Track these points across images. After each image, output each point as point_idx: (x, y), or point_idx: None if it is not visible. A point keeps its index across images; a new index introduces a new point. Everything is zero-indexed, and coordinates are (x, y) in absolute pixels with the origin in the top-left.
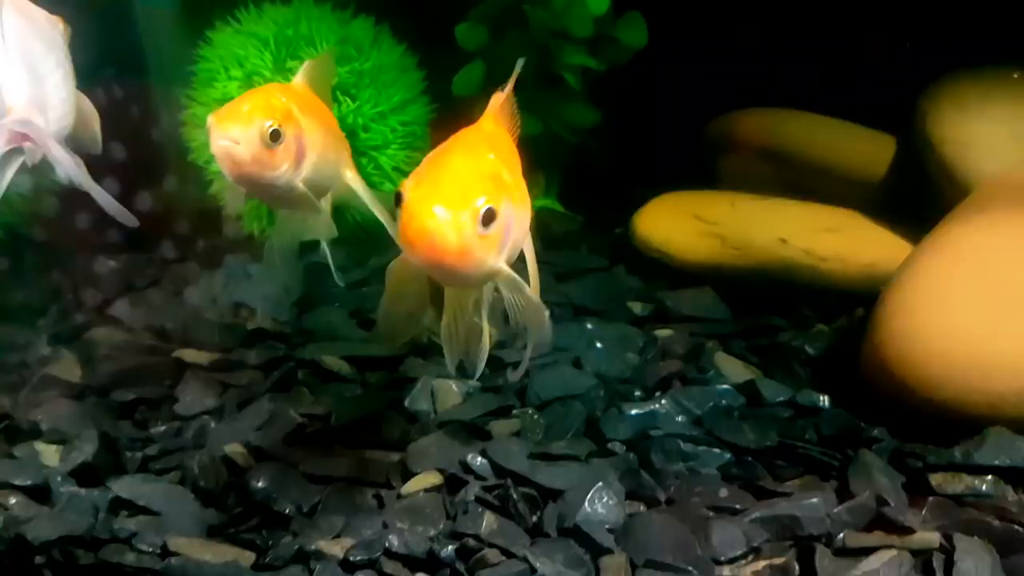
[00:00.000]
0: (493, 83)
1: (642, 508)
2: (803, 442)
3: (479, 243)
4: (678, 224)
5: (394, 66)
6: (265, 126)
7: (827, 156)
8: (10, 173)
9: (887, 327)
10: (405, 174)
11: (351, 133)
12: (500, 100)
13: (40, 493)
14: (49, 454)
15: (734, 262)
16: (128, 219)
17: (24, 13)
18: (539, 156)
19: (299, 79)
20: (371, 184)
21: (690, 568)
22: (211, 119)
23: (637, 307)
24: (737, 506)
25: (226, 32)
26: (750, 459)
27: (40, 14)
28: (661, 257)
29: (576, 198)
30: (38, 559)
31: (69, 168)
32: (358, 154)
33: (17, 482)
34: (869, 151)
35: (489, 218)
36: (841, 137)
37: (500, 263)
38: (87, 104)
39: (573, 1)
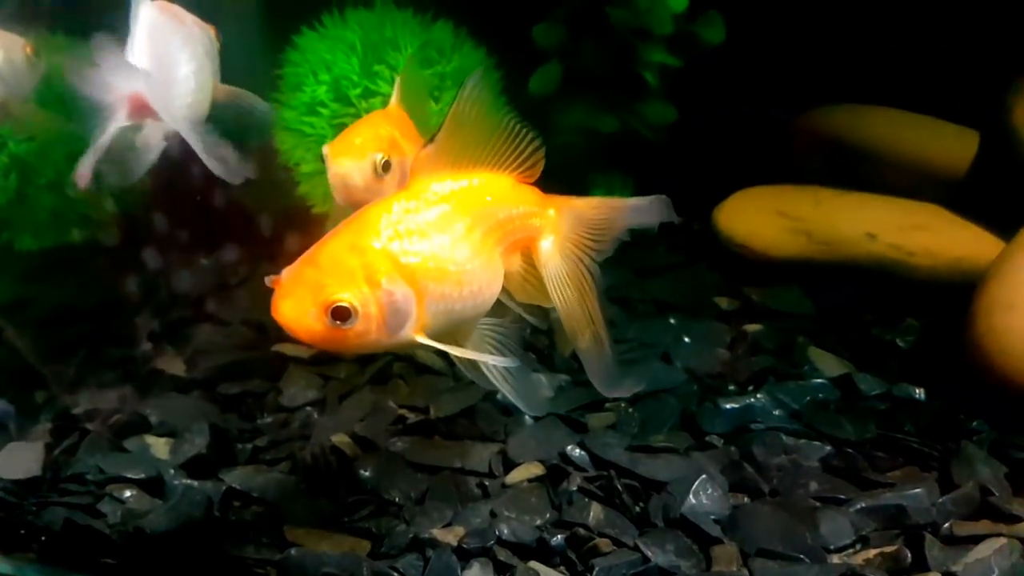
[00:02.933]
0: (570, 82)
1: (746, 500)
2: (902, 434)
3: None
4: (761, 220)
5: (476, 67)
6: (377, 159)
7: (910, 152)
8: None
9: (987, 321)
10: None
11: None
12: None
13: (154, 486)
14: (159, 447)
15: (822, 257)
16: (245, 171)
17: (172, 14)
18: (615, 154)
19: (395, 100)
20: None
21: (802, 557)
22: (327, 150)
23: (724, 302)
24: (842, 496)
25: (312, 37)
26: (850, 451)
27: (191, 19)
28: (745, 252)
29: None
30: (157, 552)
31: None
32: None
33: (131, 475)
34: (952, 147)
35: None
36: (924, 133)
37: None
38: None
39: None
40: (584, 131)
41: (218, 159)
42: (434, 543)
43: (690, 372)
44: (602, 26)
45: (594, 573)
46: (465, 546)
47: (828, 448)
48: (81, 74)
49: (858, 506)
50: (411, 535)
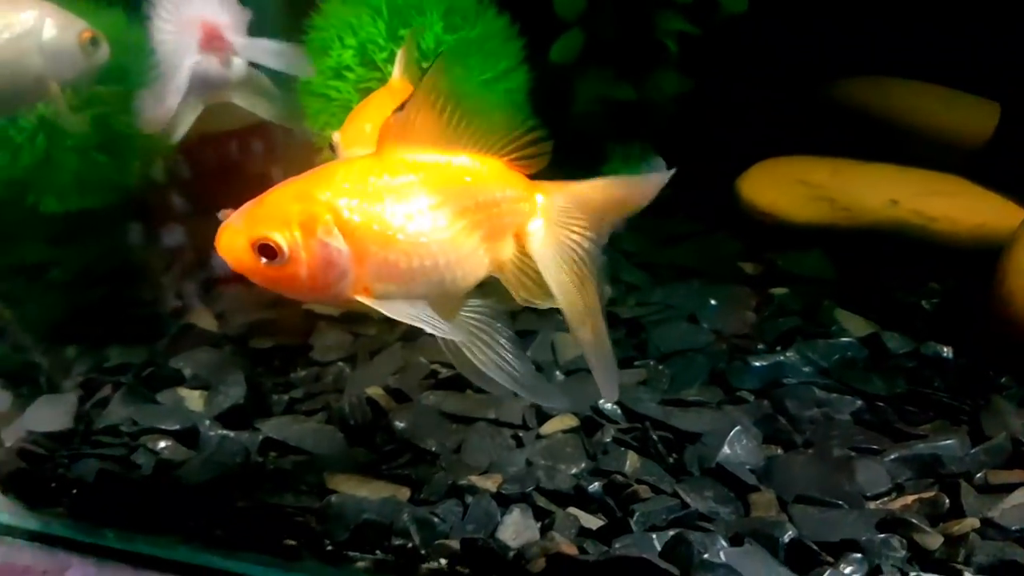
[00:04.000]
0: (590, 51)
1: (779, 451)
2: (931, 389)
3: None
4: (783, 188)
5: (498, 34)
6: None
7: (932, 123)
8: (191, 118)
9: (1014, 282)
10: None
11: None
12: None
13: (189, 437)
14: (193, 400)
15: (844, 223)
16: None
17: None
18: (632, 124)
19: (398, 74)
20: None
21: (840, 503)
22: (337, 138)
23: (748, 267)
24: (875, 447)
25: (336, 2)
26: (881, 405)
27: None
28: (767, 219)
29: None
30: (194, 502)
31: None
32: None
33: (165, 426)
34: (974, 118)
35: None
36: (946, 104)
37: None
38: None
39: None
40: (603, 100)
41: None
42: (473, 489)
43: (717, 333)
44: None
45: (634, 518)
46: (504, 492)
47: (859, 402)
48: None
49: (892, 456)
50: (449, 482)
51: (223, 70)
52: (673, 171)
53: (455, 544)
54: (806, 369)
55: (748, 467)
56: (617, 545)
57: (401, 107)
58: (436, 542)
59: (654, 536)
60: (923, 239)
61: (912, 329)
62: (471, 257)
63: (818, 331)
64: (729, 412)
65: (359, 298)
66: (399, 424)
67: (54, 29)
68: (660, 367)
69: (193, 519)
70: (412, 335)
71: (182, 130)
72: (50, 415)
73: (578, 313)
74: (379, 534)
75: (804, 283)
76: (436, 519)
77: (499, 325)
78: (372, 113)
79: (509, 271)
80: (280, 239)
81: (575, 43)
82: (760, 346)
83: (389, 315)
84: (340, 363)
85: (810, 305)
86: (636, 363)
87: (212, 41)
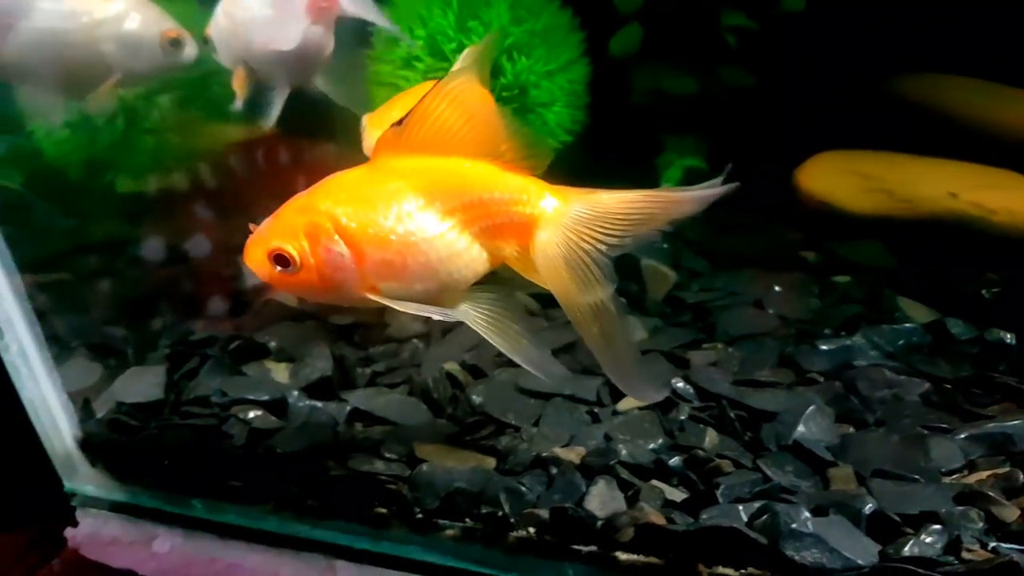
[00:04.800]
0: (649, 44)
1: (851, 430)
2: (997, 373)
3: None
4: (841, 179)
5: (562, 27)
6: None
7: (989, 120)
8: (282, 101)
9: None
10: (568, 132)
11: (523, 90)
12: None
13: (278, 407)
14: (279, 371)
15: (903, 214)
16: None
17: None
18: (689, 117)
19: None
20: None
21: (917, 477)
22: (365, 121)
23: (810, 256)
24: (945, 426)
25: None
26: (948, 387)
27: None
28: (825, 209)
29: (723, 159)
30: (288, 471)
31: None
32: (525, 111)
33: (254, 397)
34: None
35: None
36: (1003, 102)
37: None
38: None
39: None
40: (660, 93)
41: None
42: (556, 461)
43: (782, 318)
44: None
45: (719, 490)
46: (588, 463)
47: (927, 385)
48: None
49: (963, 435)
50: (533, 453)
51: (325, 40)
52: (720, 190)
53: (543, 513)
54: (872, 353)
55: (823, 444)
56: (704, 516)
57: (400, 123)
58: (525, 511)
59: (740, 507)
60: (982, 231)
61: (974, 316)
62: (465, 253)
63: (882, 317)
64: (801, 392)
65: (369, 295)
66: (476, 398)
67: (135, 23)
68: (730, 349)
69: (284, 488)
70: None
71: (275, 114)
72: (139, 386)
73: (579, 315)
74: (469, 502)
75: (864, 272)
76: (523, 488)
77: (508, 311)
78: (405, 103)
79: (515, 267)
80: (291, 249)
81: (634, 37)
82: (826, 331)
83: (396, 308)
84: (415, 340)
85: (872, 293)
86: (704, 345)
87: (320, 11)
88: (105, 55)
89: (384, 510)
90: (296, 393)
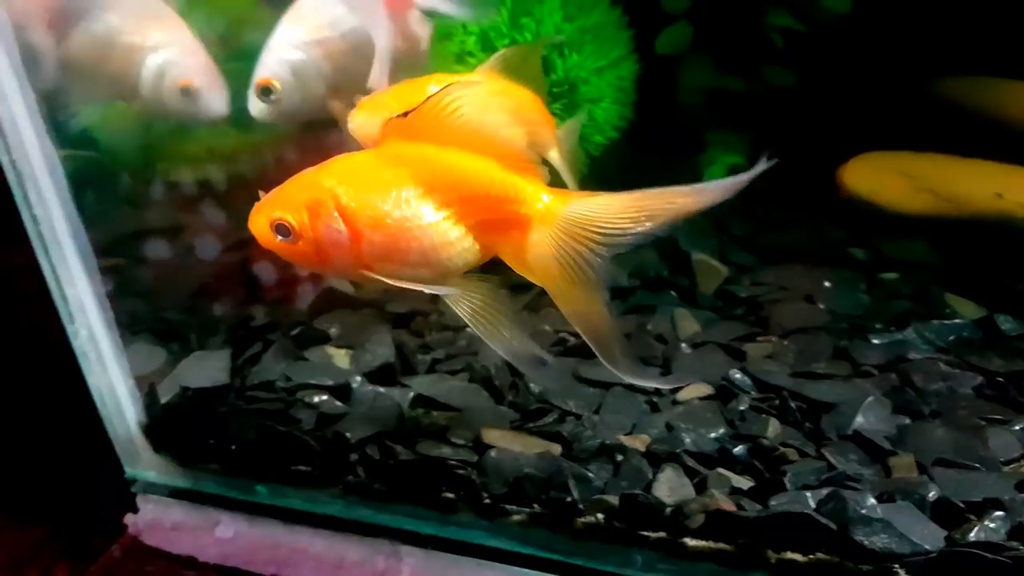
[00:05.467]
0: (695, 43)
1: (908, 420)
2: None
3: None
4: (886, 178)
5: (611, 24)
6: None
7: None
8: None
9: None
10: (615, 128)
11: (572, 86)
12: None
13: (342, 392)
14: (339, 357)
15: (948, 213)
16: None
17: None
18: (733, 114)
19: (483, 68)
20: (584, 136)
21: (978, 466)
22: (356, 104)
23: (859, 253)
24: (1001, 417)
25: None
26: (1001, 381)
27: None
28: (869, 208)
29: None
30: (353, 456)
31: None
32: (574, 107)
33: (319, 382)
34: None
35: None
36: None
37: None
38: None
39: None
40: (706, 90)
41: None
42: (623, 448)
43: (833, 313)
44: None
45: (787, 478)
46: (654, 451)
47: (979, 378)
48: None
49: (1019, 425)
50: (599, 441)
51: (416, 30)
52: (732, 182)
53: (612, 499)
54: (924, 348)
55: (883, 434)
56: (773, 503)
57: (405, 115)
58: (593, 497)
59: (808, 494)
60: None
61: (1022, 313)
62: (457, 243)
63: (931, 313)
64: (858, 384)
65: (368, 274)
66: (534, 386)
67: (155, 62)
68: (785, 342)
69: (351, 472)
70: (535, 305)
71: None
72: (204, 371)
73: (570, 309)
74: (537, 488)
75: (911, 269)
76: (591, 475)
77: (496, 301)
78: (401, 90)
79: (509, 262)
80: (291, 220)
81: (681, 35)
82: (877, 326)
83: (388, 282)
84: (470, 328)
85: (921, 289)
86: (759, 338)
87: (399, 9)
88: (131, 79)
89: (451, 495)
90: (359, 378)
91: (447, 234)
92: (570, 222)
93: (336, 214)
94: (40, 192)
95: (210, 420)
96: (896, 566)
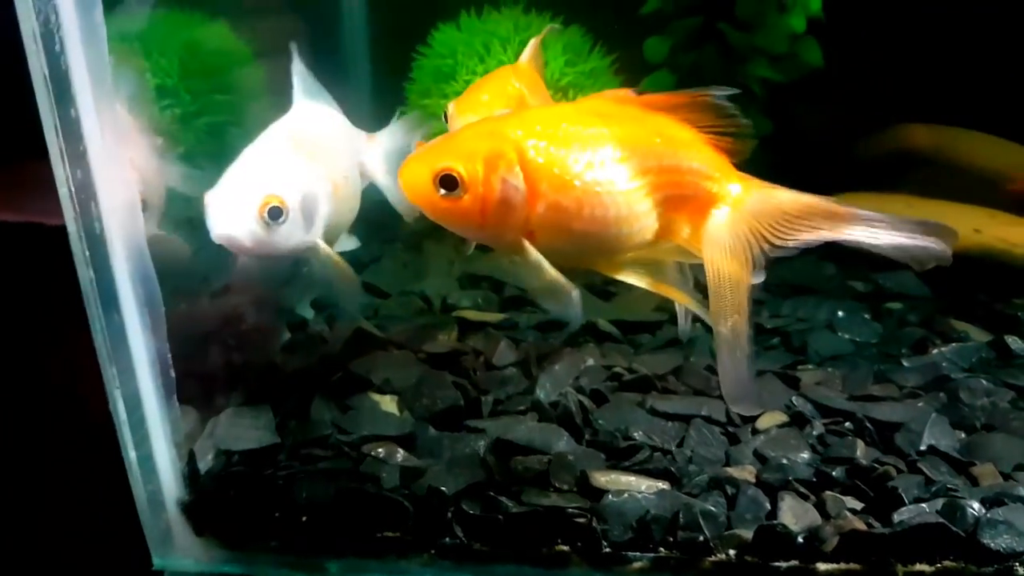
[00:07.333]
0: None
1: (963, 435)
2: None
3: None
4: None
5: (606, 71)
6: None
7: (986, 167)
8: None
9: None
10: None
11: None
12: None
13: (407, 442)
14: (387, 403)
15: None
16: None
17: None
18: None
19: (526, 58)
20: None
21: None
22: (451, 108)
23: (859, 285)
24: None
25: (450, 33)
26: None
27: None
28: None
29: None
30: (442, 512)
31: None
32: None
33: (379, 432)
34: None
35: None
36: (994, 150)
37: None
38: None
39: (775, 20)
40: None
41: None
42: (733, 480)
43: (856, 341)
44: (715, 42)
45: (896, 493)
46: (765, 480)
47: (1011, 393)
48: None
49: None
50: (706, 475)
51: None
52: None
53: (745, 533)
54: (953, 368)
55: (953, 448)
56: (897, 517)
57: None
58: (724, 532)
59: (924, 506)
60: (1007, 262)
61: (1020, 334)
62: (641, 218)
63: (947, 337)
64: (913, 404)
65: (524, 241)
66: (602, 422)
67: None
68: (829, 369)
69: (447, 533)
70: (574, 341)
71: None
72: (243, 430)
73: (724, 307)
74: (663, 529)
75: (911, 299)
76: (714, 509)
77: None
78: (491, 86)
79: (678, 239)
80: (463, 171)
81: (664, 83)
82: (902, 351)
83: (530, 259)
84: (512, 367)
85: (927, 317)
86: (800, 367)
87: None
88: None
89: (566, 547)
90: (425, 426)
91: (634, 206)
92: (752, 211)
93: (517, 169)
94: None
95: (265, 489)
96: (1016, 564)
